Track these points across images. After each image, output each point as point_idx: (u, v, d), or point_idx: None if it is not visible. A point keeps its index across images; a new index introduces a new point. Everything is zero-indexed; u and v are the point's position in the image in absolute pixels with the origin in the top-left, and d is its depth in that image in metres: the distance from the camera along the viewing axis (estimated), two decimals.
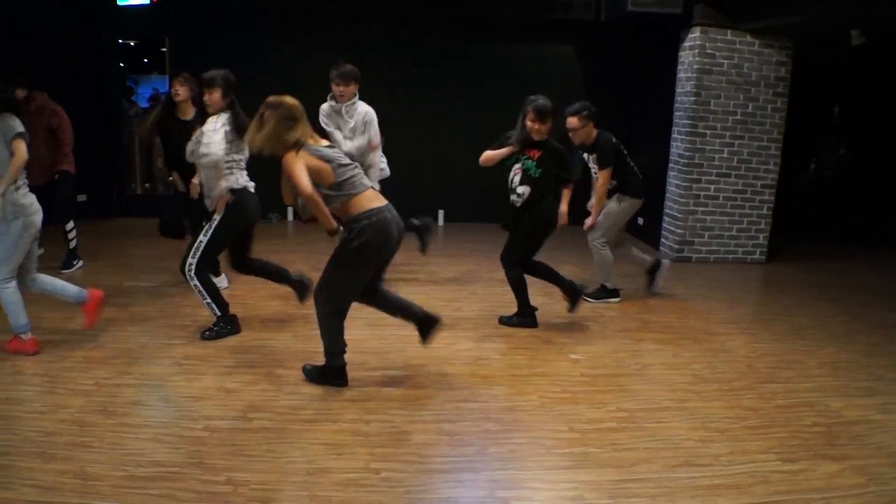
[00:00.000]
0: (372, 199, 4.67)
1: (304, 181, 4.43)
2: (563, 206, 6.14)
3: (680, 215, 9.12)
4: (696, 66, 8.72)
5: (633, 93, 10.64)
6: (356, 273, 4.71)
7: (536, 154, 5.97)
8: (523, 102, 5.97)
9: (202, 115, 6.06)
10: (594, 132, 6.73)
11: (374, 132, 7.00)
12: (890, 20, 7.60)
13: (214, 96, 5.74)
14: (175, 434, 4.20)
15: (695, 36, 8.70)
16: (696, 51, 8.68)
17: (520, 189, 6.02)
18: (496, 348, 5.81)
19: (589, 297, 7.06)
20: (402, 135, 9.97)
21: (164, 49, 10.99)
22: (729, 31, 8.65)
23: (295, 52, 10.49)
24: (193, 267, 5.65)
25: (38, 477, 3.67)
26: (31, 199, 5.19)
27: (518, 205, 6.07)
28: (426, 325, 5.09)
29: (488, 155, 6.11)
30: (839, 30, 8.64)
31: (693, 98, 8.77)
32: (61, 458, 3.86)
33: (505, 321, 6.35)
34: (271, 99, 4.67)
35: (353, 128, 6.89)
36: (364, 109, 7.00)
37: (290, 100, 4.68)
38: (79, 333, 5.73)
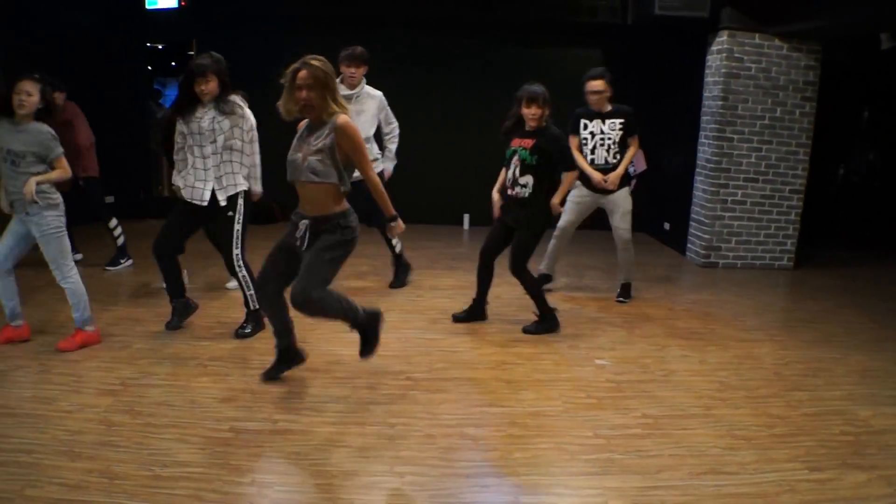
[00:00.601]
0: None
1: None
2: (556, 198, 6.11)
3: (707, 220, 9.07)
4: (723, 71, 8.67)
5: (660, 97, 10.59)
6: (338, 268, 4.69)
7: (529, 142, 5.97)
8: (517, 91, 6.06)
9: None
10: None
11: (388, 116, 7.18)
12: None
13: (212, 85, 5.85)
14: (200, 435, 4.22)
15: (722, 40, 8.65)
16: (724, 55, 8.63)
17: (522, 180, 6.00)
18: (521, 353, 5.79)
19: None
20: (427, 139, 10.00)
21: (192, 52, 11.06)
22: (757, 35, 8.59)
23: (323, 54, 10.50)
24: (240, 258, 5.82)
25: (65, 475, 3.70)
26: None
27: (524, 196, 6.03)
28: (286, 357, 5.08)
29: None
30: (868, 33, 8.57)
31: (720, 102, 8.72)
32: (87, 457, 3.89)
33: (531, 330, 6.28)
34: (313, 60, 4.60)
35: (359, 113, 6.91)
36: (376, 94, 7.11)
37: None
38: (106, 334, 5.78)
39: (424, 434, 4.33)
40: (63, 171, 5.28)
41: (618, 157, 6.95)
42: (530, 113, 5.92)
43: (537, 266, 7.13)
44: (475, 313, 6.48)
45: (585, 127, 7.00)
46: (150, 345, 5.67)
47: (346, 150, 4.50)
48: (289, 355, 5.06)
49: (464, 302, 6.58)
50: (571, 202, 7.02)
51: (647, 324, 6.55)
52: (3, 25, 8.63)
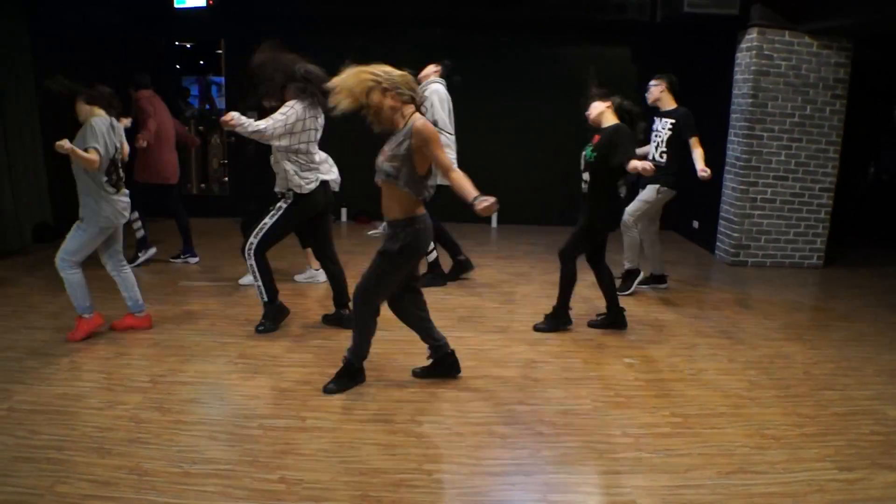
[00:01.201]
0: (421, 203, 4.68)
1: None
2: (636, 164, 5.83)
3: (736, 219, 9.03)
4: (753, 68, 8.63)
5: (689, 94, 10.46)
6: (400, 274, 4.73)
7: (596, 138, 6.02)
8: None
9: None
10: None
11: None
12: None
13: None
14: (229, 432, 4.27)
15: (752, 37, 8.61)
16: (754, 52, 8.59)
17: (584, 175, 6.06)
18: (549, 351, 5.80)
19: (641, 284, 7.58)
20: (456, 136, 10.00)
21: (220, 51, 11.14)
22: (787, 32, 8.54)
23: (350, 53, 10.53)
24: (254, 247, 5.81)
25: (95, 472, 3.75)
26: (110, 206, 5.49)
27: (584, 191, 6.09)
28: (443, 363, 5.13)
29: None
30: None
31: (750, 100, 8.68)
32: (117, 454, 3.94)
33: (541, 328, 6.28)
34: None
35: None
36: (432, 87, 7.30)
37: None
38: (134, 331, 5.88)
39: (453, 432, 4.36)
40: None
41: (664, 156, 7.15)
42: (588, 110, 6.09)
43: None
44: (614, 320, 6.43)
45: (652, 123, 7.24)
46: (180, 342, 5.72)
47: (424, 154, 4.48)
48: (444, 362, 5.14)
49: (493, 301, 6.60)
50: None
51: (676, 322, 6.54)
52: (34, 25, 8.74)
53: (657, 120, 7.31)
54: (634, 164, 5.68)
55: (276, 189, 5.94)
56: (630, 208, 7.19)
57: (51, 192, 9.21)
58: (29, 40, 8.67)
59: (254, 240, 5.81)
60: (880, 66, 10.32)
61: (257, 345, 5.72)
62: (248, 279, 7.20)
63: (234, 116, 5.40)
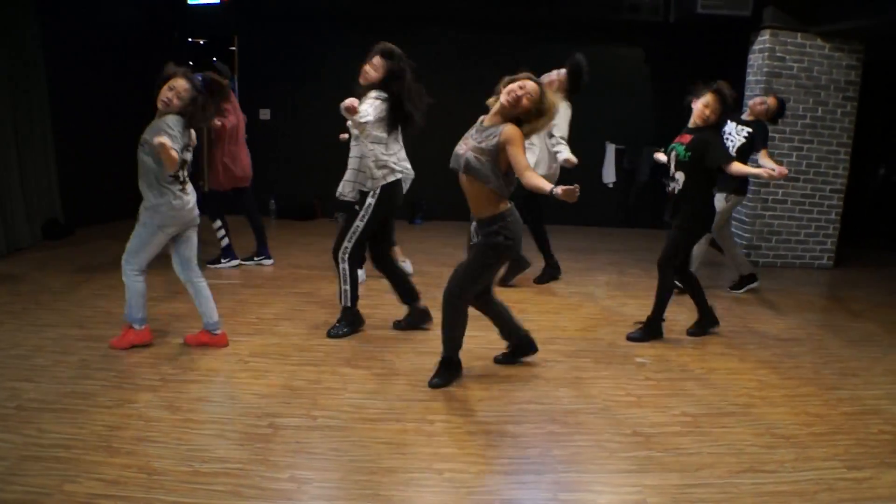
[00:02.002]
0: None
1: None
2: (746, 168, 6.05)
3: (748, 219, 9.05)
4: (765, 70, 8.64)
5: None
6: (495, 269, 4.95)
7: (687, 138, 5.93)
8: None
9: None
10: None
11: None
12: None
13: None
14: (239, 431, 4.25)
15: (764, 39, 8.62)
16: (766, 54, 8.60)
17: (676, 175, 5.96)
18: (560, 350, 5.81)
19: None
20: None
21: (233, 48, 11.18)
22: (799, 35, 8.57)
23: (363, 51, 10.58)
24: (349, 251, 5.80)
25: (104, 471, 3.73)
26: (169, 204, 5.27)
27: (676, 192, 5.98)
28: (522, 348, 5.32)
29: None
30: None
31: None
32: (126, 453, 3.92)
33: (635, 337, 6.19)
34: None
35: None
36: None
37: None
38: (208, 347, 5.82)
39: (464, 431, 4.37)
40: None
41: None
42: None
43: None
44: (707, 320, 6.41)
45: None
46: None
47: (508, 153, 4.57)
48: (523, 347, 5.37)
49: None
50: None
51: (686, 322, 6.52)
52: (47, 20, 8.78)
53: (732, 125, 7.21)
54: (742, 168, 5.86)
55: (356, 189, 5.89)
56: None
57: (61, 188, 9.25)
58: (40, 34, 8.68)
59: (348, 244, 5.79)
60: (892, 68, 10.31)
61: (268, 343, 5.73)
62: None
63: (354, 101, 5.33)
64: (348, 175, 5.85)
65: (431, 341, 5.65)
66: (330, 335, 5.91)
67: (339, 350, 5.61)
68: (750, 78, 9.02)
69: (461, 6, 10.22)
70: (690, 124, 5.98)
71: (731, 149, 7.00)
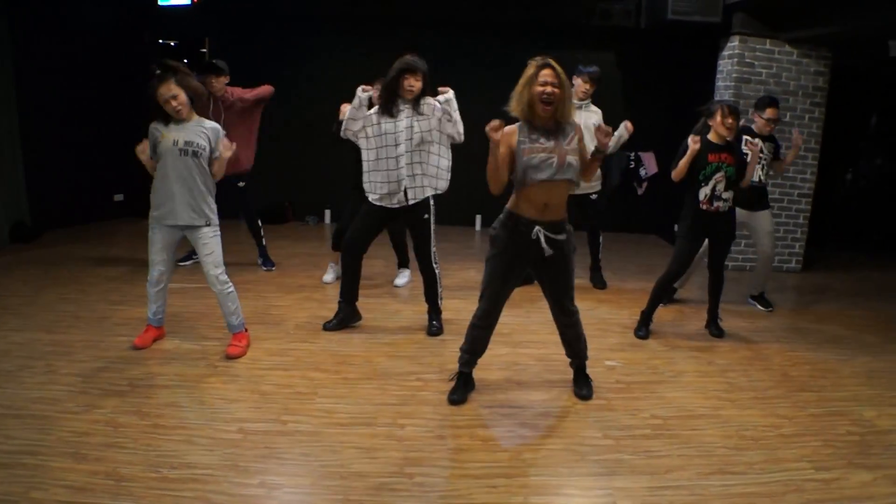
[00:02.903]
0: None
1: None
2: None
3: None
4: (734, 75, 8.71)
5: (672, 100, 10.62)
6: None
7: (731, 158, 6.07)
8: (707, 105, 6.26)
9: None
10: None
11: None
12: None
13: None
14: (209, 436, 4.21)
15: (734, 45, 8.69)
16: (735, 60, 8.67)
17: (725, 195, 6.10)
18: (532, 354, 5.83)
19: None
20: None
21: (205, 50, 11.12)
22: (768, 41, 8.64)
23: (336, 53, 10.59)
24: (436, 254, 6.04)
25: (71, 477, 3.68)
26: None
27: (724, 209, 6.16)
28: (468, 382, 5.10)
29: (681, 167, 6.10)
30: (877, 40, 8.60)
31: None
32: (94, 459, 3.87)
33: (715, 333, 6.51)
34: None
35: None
36: (598, 110, 7.71)
37: None
38: (113, 334, 5.82)
39: (435, 435, 4.36)
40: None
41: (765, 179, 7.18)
42: (731, 123, 6.05)
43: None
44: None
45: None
46: (158, 345, 5.66)
47: (583, 146, 4.65)
48: (469, 380, 5.07)
49: (473, 303, 6.63)
50: None
51: (656, 326, 6.57)
52: (16, 22, 8.70)
53: (758, 141, 6.89)
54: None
55: (421, 191, 5.96)
56: (769, 242, 7.25)
57: (28, 191, 9.12)
58: (9, 34, 8.61)
59: (434, 248, 5.98)
60: (859, 74, 10.43)
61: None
62: (330, 277, 7.52)
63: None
64: (424, 181, 5.92)
65: (402, 345, 5.66)
66: (430, 334, 6.13)
67: (310, 355, 5.58)
68: (719, 83, 9.08)
69: (432, 8, 10.20)
70: (719, 140, 6.12)
71: (765, 164, 7.08)
